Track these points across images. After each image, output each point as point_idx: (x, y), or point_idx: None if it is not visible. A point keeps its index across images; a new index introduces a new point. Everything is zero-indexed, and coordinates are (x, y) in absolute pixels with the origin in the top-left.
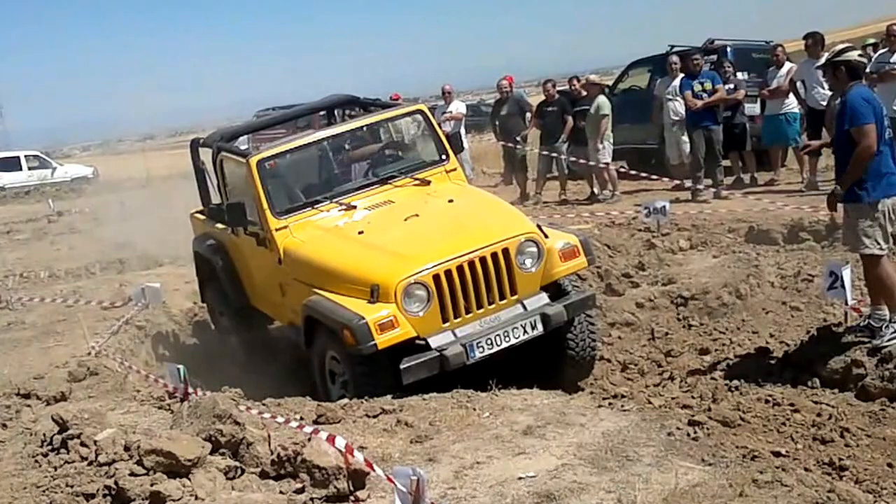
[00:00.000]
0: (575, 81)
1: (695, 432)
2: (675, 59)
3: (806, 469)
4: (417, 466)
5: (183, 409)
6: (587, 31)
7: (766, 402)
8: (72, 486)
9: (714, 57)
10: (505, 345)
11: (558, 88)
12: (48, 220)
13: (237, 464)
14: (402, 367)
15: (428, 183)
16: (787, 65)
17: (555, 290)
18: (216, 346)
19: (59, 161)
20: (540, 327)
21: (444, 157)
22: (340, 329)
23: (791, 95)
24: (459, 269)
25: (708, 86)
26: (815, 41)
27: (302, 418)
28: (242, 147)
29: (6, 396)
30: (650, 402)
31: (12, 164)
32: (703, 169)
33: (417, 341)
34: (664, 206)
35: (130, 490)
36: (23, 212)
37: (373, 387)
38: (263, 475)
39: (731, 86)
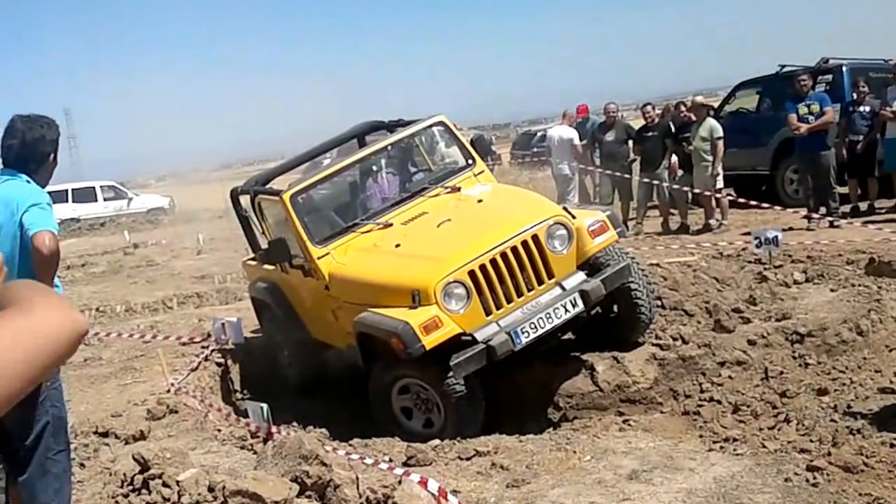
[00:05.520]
0: (682, 107)
1: (814, 478)
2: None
3: None
4: None
5: (267, 449)
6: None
7: (892, 446)
8: None
9: (829, 77)
10: (549, 326)
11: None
12: (124, 253)
13: None
14: (451, 363)
15: (458, 189)
16: None
17: (593, 267)
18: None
19: (134, 191)
20: (580, 304)
21: (470, 161)
22: (389, 338)
23: None
24: (493, 262)
25: (815, 108)
26: None
27: (391, 459)
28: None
29: (84, 435)
30: (765, 446)
31: (87, 196)
32: (814, 197)
33: (464, 337)
34: (776, 237)
35: None
36: (98, 244)
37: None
38: None
39: (867, 108)
